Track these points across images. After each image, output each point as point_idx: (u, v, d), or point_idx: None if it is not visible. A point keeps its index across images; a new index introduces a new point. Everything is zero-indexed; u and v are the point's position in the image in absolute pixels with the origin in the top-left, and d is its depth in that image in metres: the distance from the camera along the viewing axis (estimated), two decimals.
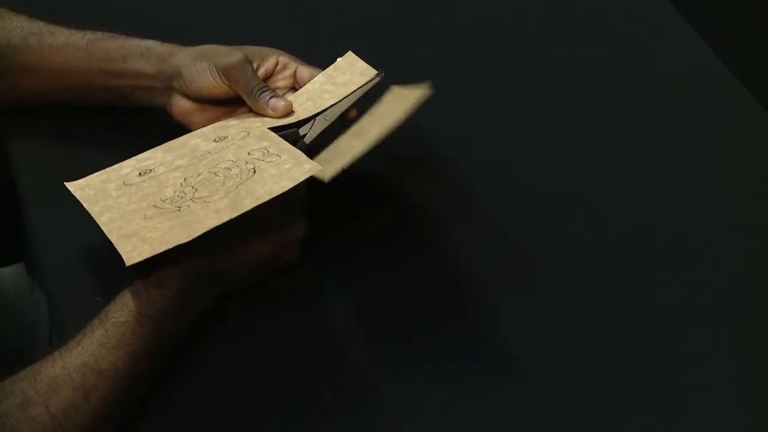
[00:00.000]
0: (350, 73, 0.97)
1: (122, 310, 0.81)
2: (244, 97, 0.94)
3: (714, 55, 1.13)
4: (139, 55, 0.96)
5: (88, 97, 0.99)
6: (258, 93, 0.93)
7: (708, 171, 1.03)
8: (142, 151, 0.94)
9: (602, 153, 1.04)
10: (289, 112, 0.94)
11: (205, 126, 0.96)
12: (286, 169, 0.86)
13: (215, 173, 0.89)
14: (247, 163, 0.89)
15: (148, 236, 0.82)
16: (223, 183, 0.87)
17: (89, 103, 1.00)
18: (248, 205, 0.83)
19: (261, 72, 0.96)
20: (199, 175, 0.89)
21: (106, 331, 0.79)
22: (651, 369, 0.87)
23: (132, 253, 0.80)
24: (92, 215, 0.87)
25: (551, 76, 1.11)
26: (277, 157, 0.89)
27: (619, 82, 1.11)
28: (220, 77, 0.93)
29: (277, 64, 0.97)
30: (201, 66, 0.93)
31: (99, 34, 0.97)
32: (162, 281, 0.82)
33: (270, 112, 0.93)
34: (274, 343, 0.88)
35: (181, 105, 0.96)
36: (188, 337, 0.86)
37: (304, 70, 0.97)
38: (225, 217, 0.82)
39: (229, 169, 0.89)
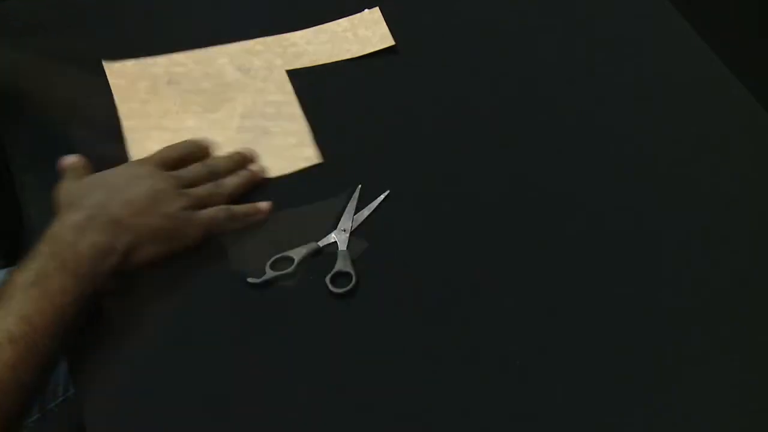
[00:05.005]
0: (372, 30, 0.95)
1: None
2: None
3: (714, 55, 1.13)
4: None
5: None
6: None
7: (708, 171, 1.03)
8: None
9: (602, 153, 1.04)
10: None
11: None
12: (290, 145, 0.95)
13: (230, 116, 0.96)
14: (261, 116, 0.95)
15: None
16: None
17: None
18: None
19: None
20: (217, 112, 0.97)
21: None
22: (651, 369, 0.88)
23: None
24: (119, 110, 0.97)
25: (551, 76, 1.11)
26: (287, 124, 0.96)
27: (619, 82, 1.11)
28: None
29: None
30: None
31: None
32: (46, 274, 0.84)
33: None
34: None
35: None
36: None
37: None
38: None
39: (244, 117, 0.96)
